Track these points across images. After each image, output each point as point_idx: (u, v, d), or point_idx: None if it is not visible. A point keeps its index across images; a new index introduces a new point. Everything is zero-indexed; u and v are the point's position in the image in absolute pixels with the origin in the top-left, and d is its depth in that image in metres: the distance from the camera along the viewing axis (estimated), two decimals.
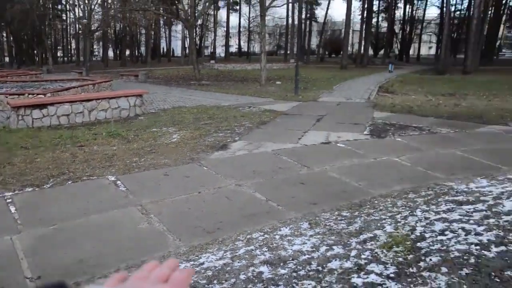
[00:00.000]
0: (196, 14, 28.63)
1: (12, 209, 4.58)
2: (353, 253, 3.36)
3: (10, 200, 4.81)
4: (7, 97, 12.87)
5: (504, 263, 3.03)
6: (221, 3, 62.45)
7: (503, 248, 3.25)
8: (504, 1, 47.79)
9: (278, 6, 39.48)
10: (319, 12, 58.63)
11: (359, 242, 3.56)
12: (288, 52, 53.27)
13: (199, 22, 51.98)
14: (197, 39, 56.93)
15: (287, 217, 4.27)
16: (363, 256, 3.28)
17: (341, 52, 41.19)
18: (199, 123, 9.30)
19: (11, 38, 59.82)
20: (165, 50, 78.05)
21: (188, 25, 25.49)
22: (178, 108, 12.04)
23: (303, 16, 49.74)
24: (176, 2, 27.77)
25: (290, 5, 45.02)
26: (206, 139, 7.62)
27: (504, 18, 54.83)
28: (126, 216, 4.38)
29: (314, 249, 3.51)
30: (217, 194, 4.92)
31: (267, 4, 20.82)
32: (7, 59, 66.18)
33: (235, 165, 6.06)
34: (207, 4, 30.88)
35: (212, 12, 60.48)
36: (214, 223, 4.15)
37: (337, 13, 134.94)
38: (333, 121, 9.65)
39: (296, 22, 50.50)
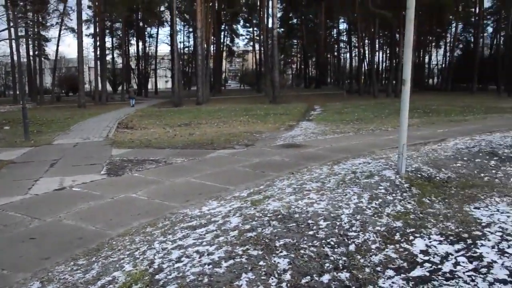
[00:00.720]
0: None
1: None
2: None
3: None
4: None
5: (232, 275, 3.37)
6: None
7: (231, 261, 3.63)
8: (222, 40, 54.49)
9: None
10: (50, 49, 55.56)
11: None
12: (18, 92, 48.54)
13: None
14: None
15: (14, 281, 3.85)
16: None
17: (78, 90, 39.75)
18: None
19: None
20: None
21: None
22: None
23: (31, 53, 46.35)
24: None
25: (13, 41, 41.31)
26: None
27: (224, 54, 62.41)
28: None
29: None
30: None
31: None
32: None
33: None
34: None
35: None
36: None
37: (71, 49, 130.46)
38: (68, 164, 9.16)
39: (23, 59, 46.57)
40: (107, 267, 3.90)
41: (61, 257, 4.30)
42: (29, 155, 10.66)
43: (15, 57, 48.83)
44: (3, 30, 21.65)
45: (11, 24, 32.32)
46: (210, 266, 3.57)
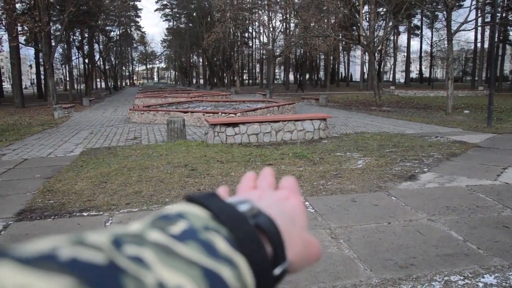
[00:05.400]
0: (376, 40, 28.33)
1: None
2: None
3: None
4: (204, 115, 14.41)
5: None
6: (401, 28, 60.96)
7: None
8: None
9: (467, 30, 36.87)
10: None
11: None
12: (476, 78, 49.16)
13: (379, 47, 51.45)
14: (376, 64, 56.44)
15: (491, 264, 3.85)
16: None
17: None
18: (384, 150, 9.07)
19: (206, 63, 67.23)
20: (343, 74, 79.14)
21: (369, 51, 25.35)
22: (361, 133, 11.96)
23: (495, 38, 45.58)
24: (357, 27, 27.90)
25: (479, 28, 41.69)
26: (393, 168, 7.38)
27: None
28: (315, 238, 4.44)
29: None
30: (408, 227, 4.69)
31: (454, 28, 19.51)
32: (201, 81, 75.04)
33: (426, 198, 5.72)
34: (388, 29, 30.35)
35: (392, 37, 59.26)
36: (406, 258, 3.96)
37: None
38: None
39: (486, 45, 46.49)
40: None
41: None
42: (493, 141, 10.55)
43: (479, 44, 49.65)
44: (470, 21, 21.37)
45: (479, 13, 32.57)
46: None
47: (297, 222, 0.38)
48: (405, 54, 65.61)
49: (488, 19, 40.31)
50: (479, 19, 33.89)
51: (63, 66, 66.13)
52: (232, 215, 0.32)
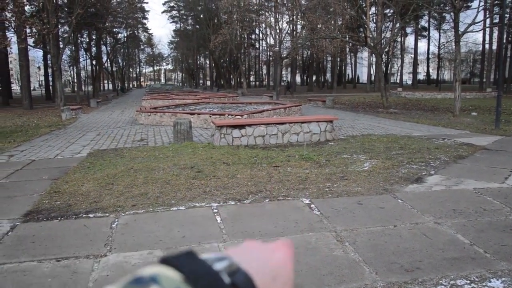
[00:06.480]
0: (383, 41, 28.26)
1: (218, 219, 5.05)
2: None
3: (216, 211, 5.31)
4: (210, 116, 14.43)
5: None
6: (408, 29, 60.76)
7: None
8: None
9: (475, 31, 36.69)
10: None
11: None
12: (484, 80, 48.87)
13: (386, 49, 51.26)
14: (383, 66, 56.20)
15: (498, 268, 3.81)
16: None
17: None
18: (391, 152, 9.04)
19: (213, 65, 67.41)
20: (350, 76, 78.99)
21: (376, 53, 25.28)
22: (367, 135, 11.93)
23: (504, 40, 45.22)
24: (364, 28, 27.81)
25: (488, 29, 41.45)
26: (399, 170, 7.35)
27: None
28: (321, 240, 4.44)
29: None
30: (414, 230, 4.67)
31: (462, 29, 19.38)
32: (208, 83, 75.28)
33: (432, 201, 5.70)
34: (395, 31, 30.26)
35: (399, 39, 59.05)
36: (412, 261, 3.94)
37: None
38: None
39: (494, 47, 46.19)
40: None
41: None
42: (501, 143, 10.49)
43: (487, 45, 49.34)
44: (478, 22, 21.20)
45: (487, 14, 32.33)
46: None
47: (280, 278, 0.38)
48: (412, 55, 65.44)
49: (497, 20, 40.09)
50: (487, 20, 33.70)
51: (71, 68, 66.49)
52: (205, 276, 0.33)
